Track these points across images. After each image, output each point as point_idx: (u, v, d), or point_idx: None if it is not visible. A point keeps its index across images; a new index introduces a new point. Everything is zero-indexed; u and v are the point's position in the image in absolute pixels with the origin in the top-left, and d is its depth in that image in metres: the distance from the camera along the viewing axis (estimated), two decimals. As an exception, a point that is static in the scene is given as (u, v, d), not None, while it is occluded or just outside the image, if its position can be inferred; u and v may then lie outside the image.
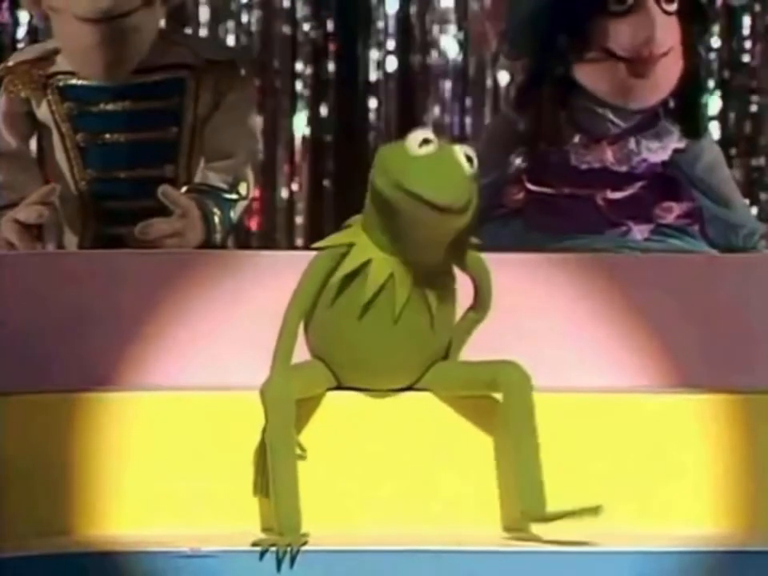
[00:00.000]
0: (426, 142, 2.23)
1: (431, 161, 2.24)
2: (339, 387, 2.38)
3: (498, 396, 2.32)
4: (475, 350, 2.37)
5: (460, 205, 2.22)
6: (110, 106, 2.94)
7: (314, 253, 2.34)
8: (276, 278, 2.44)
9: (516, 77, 3.23)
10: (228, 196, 2.85)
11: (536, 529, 2.34)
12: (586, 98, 2.95)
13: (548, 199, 3.01)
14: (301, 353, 2.36)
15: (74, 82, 2.95)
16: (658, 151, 2.98)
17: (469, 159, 2.26)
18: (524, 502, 2.31)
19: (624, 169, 2.98)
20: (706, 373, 2.54)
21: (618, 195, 2.98)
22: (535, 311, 2.54)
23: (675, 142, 2.99)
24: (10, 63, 2.99)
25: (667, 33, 2.96)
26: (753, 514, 2.40)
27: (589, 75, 2.95)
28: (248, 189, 2.93)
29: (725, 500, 2.41)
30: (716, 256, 3.01)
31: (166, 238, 2.69)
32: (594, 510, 2.24)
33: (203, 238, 2.78)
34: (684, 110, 3.05)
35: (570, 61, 2.95)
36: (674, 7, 2.98)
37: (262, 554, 2.23)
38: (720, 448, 2.42)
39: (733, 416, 2.42)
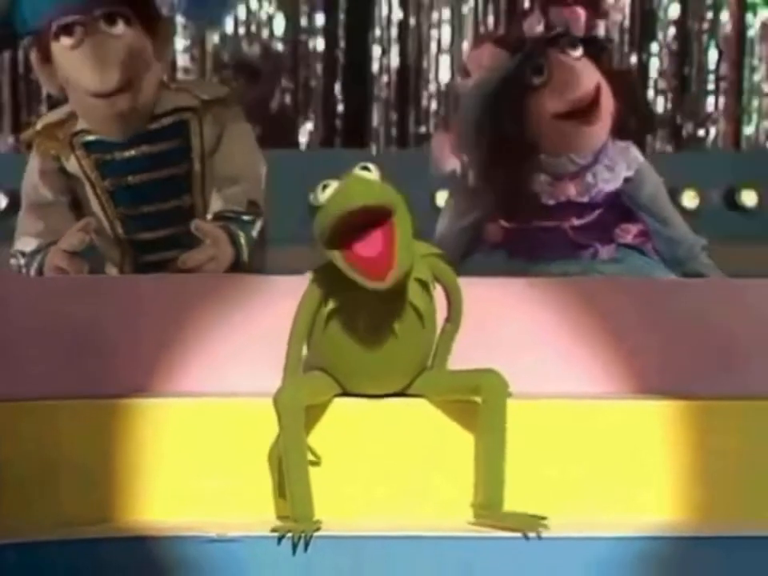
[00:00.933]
0: (324, 188, 2.35)
1: (332, 199, 2.34)
2: (342, 394, 2.54)
3: (479, 400, 2.47)
4: (462, 360, 2.54)
5: (371, 202, 2.32)
6: (128, 153, 3.15)
7: (311, 276, 2.52)
8: (283, 299, 2.60)
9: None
10: (246, 218, 3.05)
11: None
12: (549, 153, 3.19)
13: (524, 232, 3.24)
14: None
15: (95, 137, 3.16)
16: (611, 181, 3.23)
17: (366, 169, 2.35)
18: (483, 496, 2.49)
19: (585, 199, 3.22)
20: (666, 381, 2.70)
21: (582, 222, 3.22)
22: (515, 328, 2.70)
23: (624, 171, 3.23)
24: (38, 127, 3.21)
25: (588, 75, 3.18)
26: (706, 506, 2.58)
27: (548, 140, 3.18)
28: (261, 207, 3.12)
29: (682, 493, 2.58)
30: (673, 279, 3.24)
31: (203, 265, 2.90)
32: (538, 524, 2.40)
33: (233, 259, 2.98)
34: (624, 124, 3.27)
35: (526, 133, 3.16)
36: (580, 52, 3.20)
37: (280, 539, 2.42)
38: (678, 447, 2.60)
39: (689, 419, 2.59)
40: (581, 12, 3.32)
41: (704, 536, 2.52)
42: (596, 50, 3.26)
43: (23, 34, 3.15)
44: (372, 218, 2.34)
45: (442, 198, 4.25)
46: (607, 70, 3.23)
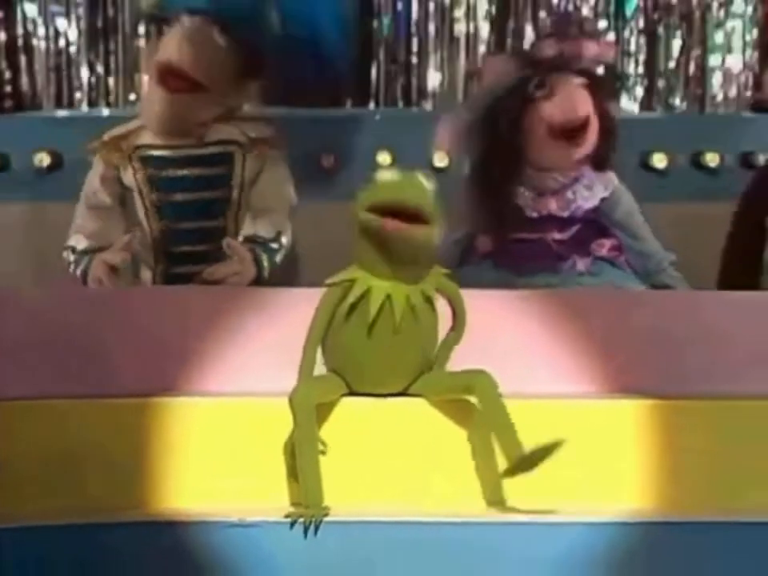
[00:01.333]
0: (390, 173, 2.56)
1: (395, 182, 2.56)
2: (350, 393, 2.71)
3: (472, 398, 2.65)
4: (458, 362, 2.73)
5: (422, 204, 2.53)
6: (178, 173, 3.43)
7: (325, 288, 2.70)
8: (297, 309, 2.80)
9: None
10: (272, 245, 3.32)
11: (511, 502, 2.68)
12: (534, 167, 3.40)
13: (510, 244, 3.43)
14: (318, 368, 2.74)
15: (151, 153, 3.43)
16: (589, 199, 3.43)
17: (428, 179, 2.56)
18: (510, 459, 2.60)
19: (565, 214, 3.42)
20: (638, 381, 2.86)
21: (563, 236, 3.42)
22: (504, 334, 2.85)
23: (602, 192, 3.44)
24: (105, 138, 3.49)
25: (583, 102, 3.37)
26: (675, 495, 2.76)
27: (537, 154, 3.39)
28: (287, 239, 3.37)
29: (652, 483, 2.78)
30: (643, 291, 3.42)
31: (228, 278, 3.16)
32: (555, 446, 2.56)
33: (255, 277, 3.24)
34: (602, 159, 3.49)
35: (518, 143, 3.37)
36: (581, 81, 3.39)
37: (293, 523, 2.60)
38: (649, 441, 2.78)
39: (659, 416, 2.78)
40: (593, 47, 3.52)
41: (673, 521, 2.71)
42: (595, 85, 3.45)
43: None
44: (409, 219, 2.54)
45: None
46: (599, 107, 3.42)
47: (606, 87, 3.61)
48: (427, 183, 2.59)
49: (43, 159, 4.39)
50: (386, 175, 2.59)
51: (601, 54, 3.57)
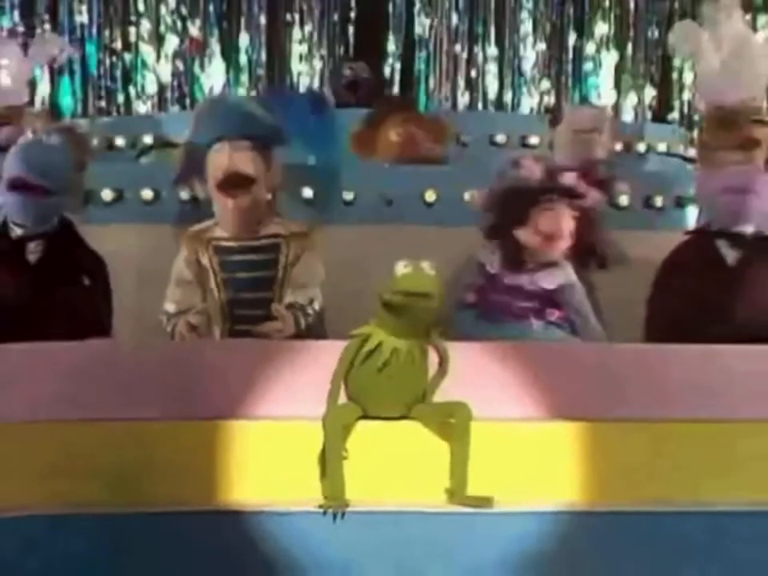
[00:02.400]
0: (405, 266, 3.27)
1: (409, 274, 3.27)
2: (365, 417, 3.39)
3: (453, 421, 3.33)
4: (441, 395, 3.43)
5: (428, 291, 3.26)
6: (240, 258, 4.12)
7: (349, 338, 3.39)
8: (325, 355, 3.45)
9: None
10: (307, 310, 3.99)
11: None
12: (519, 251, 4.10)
13: (489, 300, 4.14)
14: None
15: (221, 244, 4.14)
16: (549, 281, 4.12)
17: (432, 269, 3.28)
18: (453, 486, 3.35)
19: (531, 288, 4.12)
20: (571, 409, 3.53)
21: (526, 304, 4.13)
22: (477, 374, 3.50)
23: (560, 279, 4.13)
24: (189, 232, 4.20)
25: (568, 225, 4.07)
26: (606, 494, 3.47)
27: (527, 240, 4.08)
28: (318, 304, 4.04)
29: (581, 483, 3.47)
30: (577, 343, 4.03)
31: (274, 333, 3.84)
32: (488, 500, 3.31)
33: (294, 333, 3.89)
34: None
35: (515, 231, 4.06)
36: (576, 213, 4.08)
37: (324, 512, 3.30)
38: (579, 452, 3.47)
39: (591, 433, 3.50)
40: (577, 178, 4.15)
41: (599, 511, 3.45)
42: (575, 201, 4.12)
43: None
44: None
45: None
46: (579, 218, 4.09)
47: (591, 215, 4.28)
48: (432, 272, 3.29)
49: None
50: (403, 268, 3.28)
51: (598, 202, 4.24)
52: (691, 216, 4.61)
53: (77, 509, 3.44)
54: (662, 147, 5.45)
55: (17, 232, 4.19)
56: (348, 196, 4.96)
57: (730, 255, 4.27)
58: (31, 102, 6.07)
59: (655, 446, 3.53)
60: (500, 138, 5.88)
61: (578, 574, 3.50)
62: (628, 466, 3.54)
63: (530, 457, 3.50)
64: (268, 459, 3.46)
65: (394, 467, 3.46)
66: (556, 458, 3.53)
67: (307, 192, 4.88)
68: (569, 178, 4.19)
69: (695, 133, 5.27)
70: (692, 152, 5.32)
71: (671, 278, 4.30)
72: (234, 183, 4.11)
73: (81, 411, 3.50)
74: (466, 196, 4.76)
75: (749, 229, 4.30)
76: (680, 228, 4.58)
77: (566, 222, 4.13)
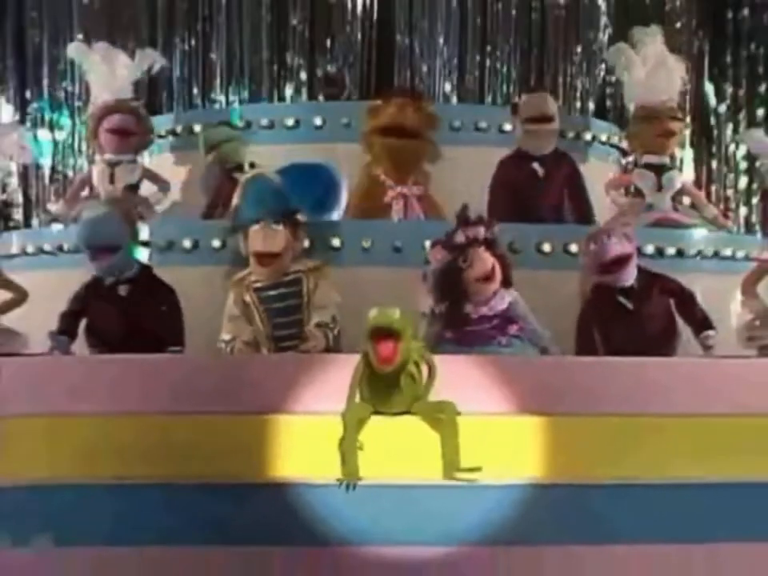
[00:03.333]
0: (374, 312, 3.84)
1: (374, 320, 3.84)
2: (375, 412, 3.97)
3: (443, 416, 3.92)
4: (434, 396, 4.01)
5: (391, 326, 3.84)
6: (273, 293, 4.70)
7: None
8: (346, 365, 4.01)
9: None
10: (332, 326, 4.57)
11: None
12: (472, 299, 4.68)
13: (464, 332, 4.70)
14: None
15: (259, 284, 4.73)
16: (500, 303, 4.71)
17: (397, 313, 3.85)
18: (445, 465, 3.89)
19: (491, 313, 4.72)
20: (535, 404, 4.05)
21: (491, 324, 4.70)
22: (458, 379, 4.04)
23: (508, 299, 4.72)
24: (235, 278, 4.72)
25: (489, 262, 4.61)
26: (559, 472, 4.00)
27: (472, 294, 4.67)
28: (337, 321, 4.60)
29: (543, 462, 3.99)
30: (545, 357, 4.56)
31: (312, 350, 4.47)
32: (476, 469, 3.85)
33: (324, 347, 4.52)
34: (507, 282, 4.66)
35: (462, 291, 4.65)
36: (487, 252, 4.58)
37: (341, 484, 3.89)
38: (542, 439, 4.01)
39: (550, 427, 4.02)
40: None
41: (554, 483, 4.00)
42: (496, 249, 4.74)
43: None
44: (389, 332, 3.90)
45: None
46: (500, 260, 4.69)
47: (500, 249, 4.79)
48: (396, 314, 3.91)
49: None
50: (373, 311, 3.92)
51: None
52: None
53: (175, 480, 4.02)
54: (603, 138, 5.98)
55: (108, 280, 4.79)
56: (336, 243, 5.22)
57: (628, 304, 4.87)
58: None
59: (595, 434, 4.04)
60: (482, 124, 6.07)
61: (537, 531, 4.03)
62: (576, 449, 4.05)
63: (500, 443, 4.03)
64: (302, 444, 4.03)
65: (398, 450, 4.01)
66: (521, 443, 4.06)
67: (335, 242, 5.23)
68: (480, 232, 4.72)
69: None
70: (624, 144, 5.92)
71: (587, 313, 4.93)
72: (265, 258, 4.61)
73: (153, 405, 4.07)
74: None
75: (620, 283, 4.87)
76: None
77: (489, 262, 4.70)
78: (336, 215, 5.13)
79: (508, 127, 5.78)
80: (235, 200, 4.83)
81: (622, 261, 4.86)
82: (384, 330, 3.91)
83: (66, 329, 4.79)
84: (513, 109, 5.86)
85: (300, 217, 4.77)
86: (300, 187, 4.84)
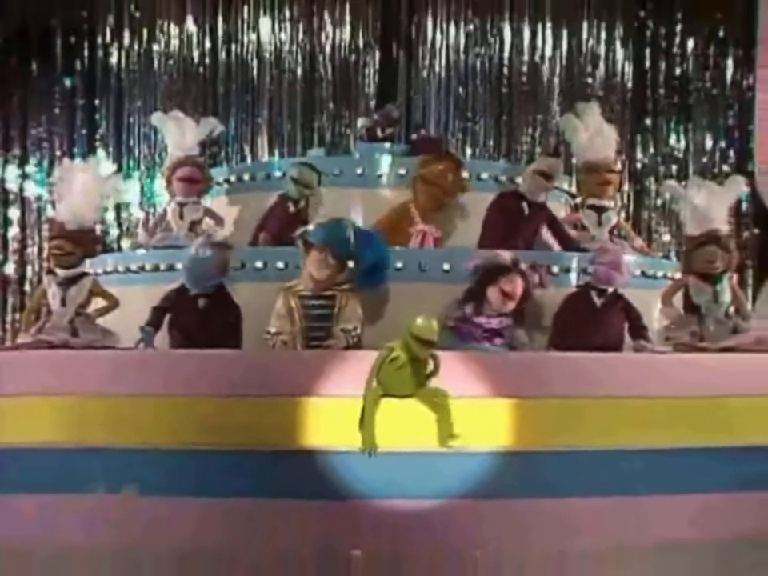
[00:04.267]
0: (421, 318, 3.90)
1: (421, 326, 3.89)
2: (387, 395, 3.95)
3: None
4: (434, 383, 4.00)
5: (434, 340, 3.92)
6: (314, 302, 4.61)
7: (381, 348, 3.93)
8: (366, 359, 4.01)
9: None
10: (353, 333, 4.51)
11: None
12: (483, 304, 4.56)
13: (461, 328, 4.60)
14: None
15: (303, 293, 4.61)
16: (496, 324, 4.61)
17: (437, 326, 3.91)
18: (441, 436, 3.92)
19: (488, 326, 4.62)
20: (505, 388, 4.08)
21: (484, 334, 4.61)
22: (454, 369, 4.03)
23: (506, 322, 4.59)
24: (285, 286, 4.60)
25: (519, 290, 4.50)
26: (528, 442, 4.04)
27: (491, 295, 4.55)
28: (358, 330, 4.52)
29: (511, 431, 4.02)
30: (514, 353, 4.50)
31: (334, 347, 4.38)
32: (462, 439, 3.87)
33: (347, 346, 4.44)
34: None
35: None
36: (523, 286, 4.51)
37: (362, 451, 3.91)
38: (518, 418, 4.04)
39: (523, 406, 4.06)
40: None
41: (522, 451, 4.05)
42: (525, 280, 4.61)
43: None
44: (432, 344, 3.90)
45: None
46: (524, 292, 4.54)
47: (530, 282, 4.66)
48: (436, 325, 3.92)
49: None
50: (420, 319, 3.91)
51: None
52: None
53: (220, 447, 4.02)
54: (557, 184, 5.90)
55: (192, 292, 4.78)
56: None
57: (599, 302, 4.90)
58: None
59: (550, 412, 4.09)
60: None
61: (507, 487, 4.05)
62: (536, 424, 4.10)
63: (480, 419, 4.08)
64: (330, 420, 4.05)
65: (406, 425, 4.04)
66: (495, 420, 4.10)
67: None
68: (523, 264, 4.65)
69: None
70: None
71: (564, 315, 4.85)
72: (314, 279, 4.59)
73: (217, 390, 4.08)
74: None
75: (610, 288, 4.89)
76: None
77: (518, 288, 4.61)
78: (371, 281, 4.93)
79: (485, 176, 5.78)
80: (317, 221, 4.87)
81: (623, 267, 4.92)
82: (429, 342, 3.98)
83: (154, 321, 4.79)
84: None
85: (351, 263, 4.73)
86: (365, 246, 4.78)
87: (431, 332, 3.91)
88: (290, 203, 5.36)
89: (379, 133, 5.81)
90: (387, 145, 5.79)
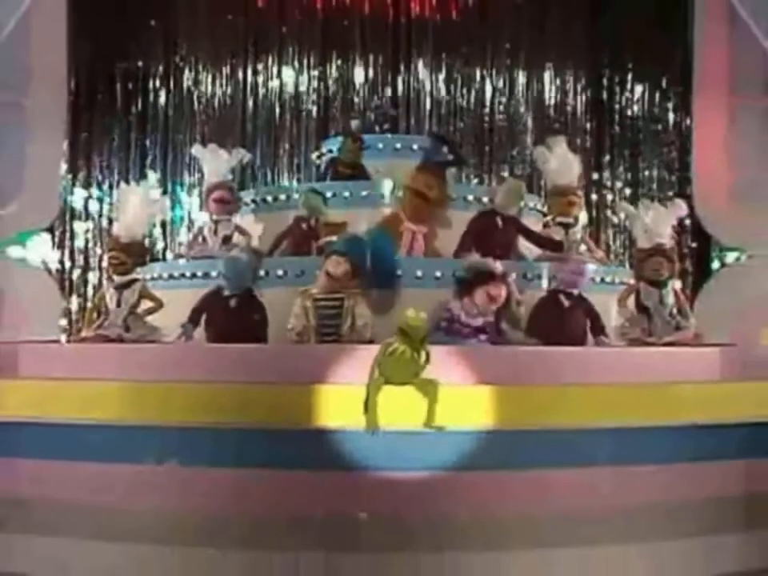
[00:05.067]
0: (411, 311, 3.81)
1: (410, 327, 3.76)
2: (388, 383, 3.86)
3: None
4: (426, 373, 3.92)
5: (422, 325, 3.79)
6: (324, 303, 4.51)
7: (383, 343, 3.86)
8: (370, 353, 3.93)
9: None
10: (362, 331, 4.43)
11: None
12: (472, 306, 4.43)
13: (451, 327, 4.52)
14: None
15: (317, 296, 4.50)
16: (478, 322, 4.53)
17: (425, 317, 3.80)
18: (428, 419, 3.83)
19: (474, 324, 4.52)
20: (491, 377, 3.99)
21: (470, 331, 4.52)
22: (444, 362, 3.96)
23: (489, 320, 4.50)
24: (301, 290, 4.51)
25: (503, 295, 4.38)
26: (508, 422, 3.94)
27: (477, 297, 4.44)
28: (370, 326, 4.40)
29: (492, 414, 3.91)
30: (514, 347, 4.44)
31: (345, 340, 4.35)
32: (443, 427, 3.78)
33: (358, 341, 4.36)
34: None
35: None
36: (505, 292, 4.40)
37: (367, 430, 3.82)
38: (500, 402, 3.91)
39: (505, 393, 3.94)
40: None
41: (504, 429, 3.91)
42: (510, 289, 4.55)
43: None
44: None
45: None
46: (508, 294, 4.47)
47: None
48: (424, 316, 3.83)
49: None
50: (410, 312, 3.83)
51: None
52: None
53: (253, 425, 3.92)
54: (531, 205, 5.83)
55: (225, 293, 4.70)
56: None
57: (566, 303, 4.82)
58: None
59: (526, 398, 4.02)
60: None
61: (490, 462, 3.91)
62: (514, 408, 3.98)
63: (468, 403, 3.98)
64: (339, 404, 3.93)
65: (401, 409, 3.93)
66: (479, 403, 4.00)
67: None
68: (508, 276, 4.60)
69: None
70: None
71: (537, 314, 4.77)
72: (329, 277, 4.50)
73: (247, 377, 3.99)
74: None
75: (575, 291, 4.86)
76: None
77: (503, 293, 4.52)
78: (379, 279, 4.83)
79: (470, 197, 5.65)
80: (334, 238, 4.81)
81: (586, 273, 4.86)
82: (418, 328, 3.87)
83: (193, 319, 4.73)
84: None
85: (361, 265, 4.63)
86: (377, 249, 4.72)
87: (420, 319, 3.82)
88: (303, 223, 5.33)
89: (377, 129, 5.85)
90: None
